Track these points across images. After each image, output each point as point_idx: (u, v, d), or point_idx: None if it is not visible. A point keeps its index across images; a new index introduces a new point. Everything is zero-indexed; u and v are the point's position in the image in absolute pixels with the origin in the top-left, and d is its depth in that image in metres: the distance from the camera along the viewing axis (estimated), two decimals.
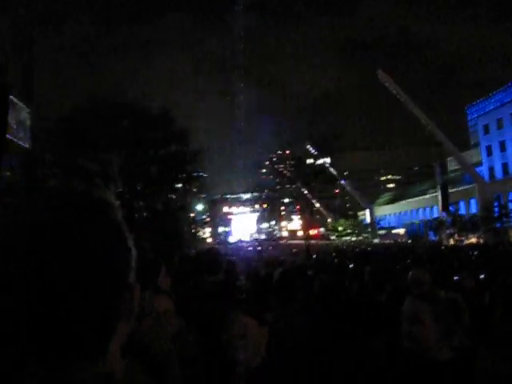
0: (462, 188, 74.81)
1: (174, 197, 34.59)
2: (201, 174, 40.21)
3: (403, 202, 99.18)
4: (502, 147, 72.01)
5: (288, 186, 44.53)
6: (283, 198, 47.43)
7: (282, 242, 74.57)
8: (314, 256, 35.23)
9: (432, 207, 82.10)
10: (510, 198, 61.04)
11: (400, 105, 70.87)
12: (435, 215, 76.24)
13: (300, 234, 63.10)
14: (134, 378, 2.03)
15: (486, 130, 76.80)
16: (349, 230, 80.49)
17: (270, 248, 57.46)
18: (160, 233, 29.25)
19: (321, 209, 78.76)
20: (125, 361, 1.00)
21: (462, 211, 69.80)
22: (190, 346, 3.12)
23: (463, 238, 58.83)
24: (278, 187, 51.39)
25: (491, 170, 74.26)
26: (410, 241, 68.70)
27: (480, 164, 77.09)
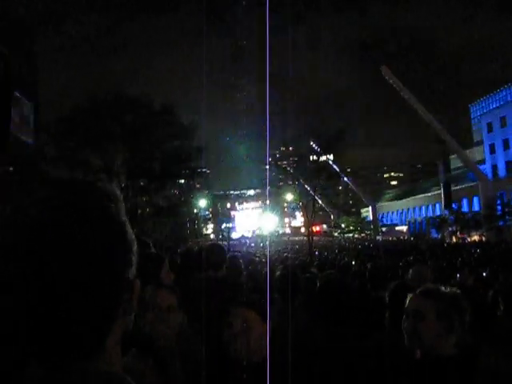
0: (465, 186, 74.71)
1: (176, 192, 34.61)
2: (204, 170, 40.22)
3: (406, 199, 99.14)
4: (506, 145, 71.90)
5: (291, 182, 44.39)
6: (286, 195, 47.34)
7: (284, 238, 74.63)
8: (317, 253, 35.27)
9: (435, 205, 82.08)
10: None
11: (404, 102, 70.74)
12: (438, 213, 76.22)
13: (303, 230, 63.03)
14: (136, 372, 2.04)
15: (490, 128, 76.70)
16: (351, 227, 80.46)
17: (273, 244, 57.51)
18: (163, 228, 29.32)
19: (324, 205, 78.66)
20: (124, 358, 1.00)
21: (465, 209, 69.72)
22: (192, 342, 3.13)
23: (465, 236, 58.78)
24: (281, 184, 51.26)
25: (494, 168, 74.13)
26: (412, 238, 68.77)
27: (483, 162, 76.94)
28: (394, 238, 73.51)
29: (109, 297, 0.88)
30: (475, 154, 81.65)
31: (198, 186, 42.70)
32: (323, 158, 39.44)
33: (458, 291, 2.84)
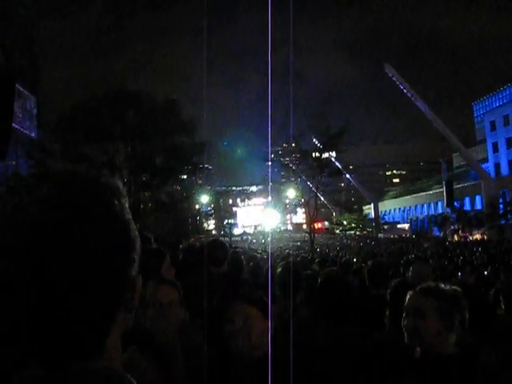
0: (467, 184, 74.59)
1: (179, 188, 34.61)
2: (206, 165, 40.21)
3: (408, 197, 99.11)
4: (509, 144, 71.78)
5: (293, 179, 44.36)
6: (288, 192, 47.28)
7: (286, 235, 74.67)
8: (318, 250, 35.27)
9: (437, 203, 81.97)
10: None
11: (406, 100, 70.59)
12: (440, 211, 76.11)
13: (305, 227, 63.04)
14: (137, 368, 2.04)
15: (493, 126, 76.56)
16: (353, 224, 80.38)
17: (275, 241, 57.51)
18: (164, 223, 29.33)
19: (326, 202, 78.62)
20: (124, 354, 1.00)
21: (467, 207, 69.60)
22: (193, 338, 3.13)
23: (467, 234, 58.73)
24: (283, 180, 51.23)
25: (497, 166, 74.06)
26: (414, 236, 68.74)
27: (486, 160, 76.88)
28: (396, 236, 73.51)
29: (110, 296, 0.88)
30: (478, 152, 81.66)
31: (200, 182, 42.70)
32: (326, 155, 39.35)
33: (459, 289, 2.83)
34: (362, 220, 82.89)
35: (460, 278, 8.55)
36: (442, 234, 63.82)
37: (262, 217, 56.90)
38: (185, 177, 34.63)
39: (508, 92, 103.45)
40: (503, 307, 4.41)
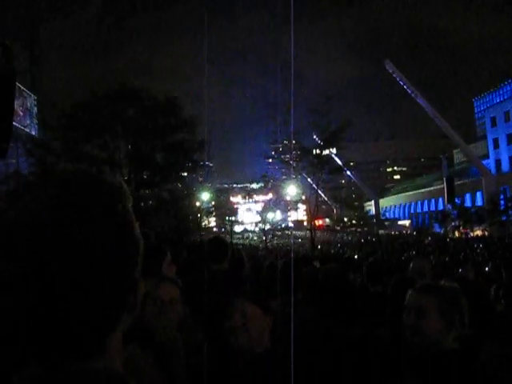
0: (468, 180, 74.56)
1: (179, 185, 34.58)
2: (207, 162, 40.20)
3: (409, 193, 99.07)
4: (509, 140, 71.77)
5: (294, 176, 44.37)
6: (289, 188, 47.26)
7: (287, 232, 74.61)
8: (319, 246, 35.28)
9: (438, 199, 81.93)
10: None
11: (407, 96, 70.60)
12: (441, 207, 76.08)
13: (305, 224, 63.06)
14: (138, 366, 2.05)
15: (493, 122, 76.51)
16: (354, 221, 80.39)
17: (276, 238, 57.51)
18: (165, 221, 29.31)
19: (327, 199, 78.57)
20: (125, 352, 1.00)
21: (468, 203, 69.57)
22: (194, 335, 3.14)
23: (468, 231, 58.69)
24: (284, 177, 51.24)
25: (498, 162, 74.04)
26: (415, 232, 68.75)
27: (487, 157, 76.83)
28: (397, 233, 73.53)
29: (111, 297, 0.87)
30: (479, 148, 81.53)
31: (200, 179, 42.67)
32: (326, 151, 39.32)
33: (457, 286, 2.84)
34: (363, 217, 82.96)
35: (460, 274, 8.56)
36: (442, 231, 63.74)
37: (263, 214, 56.79)
38: (185, 174, 34.59)
39: (509, 88, 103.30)
40: (504, 303, 4.42)
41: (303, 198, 46.54)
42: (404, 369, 2.70)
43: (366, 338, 3.38)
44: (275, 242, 56.01)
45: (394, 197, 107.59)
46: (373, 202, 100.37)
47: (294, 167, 42.37)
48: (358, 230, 78.15)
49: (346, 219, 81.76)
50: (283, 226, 74.49)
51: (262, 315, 2.73)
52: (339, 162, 45.91)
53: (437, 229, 68.00)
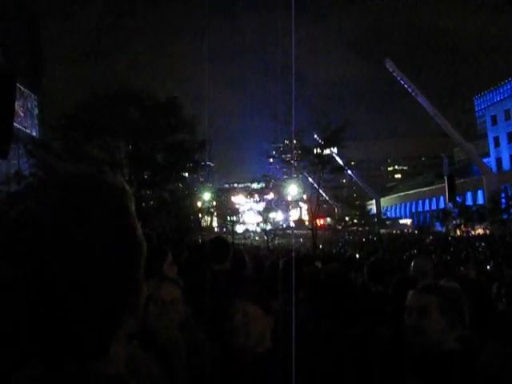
0: (469, 179, 74.46)
1: (180, 185, 34.60)
2: (208, 162, 40.18)
3: (410, 192, 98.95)
4: (510, 138, 71.72)
5: (295, 175, 44.39)
6: (290, 188, 47.25)
7: (288, 231, 74.63)
8: (321, 246, 35.27)
9: (439, 198, 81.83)
10: None
11: (407, 95, 70.51)
12: (442, 206, 76.00)
13: (307, 223, 63.08)
14: (139, 366, 2.04)
15: (494, 120, 76.45)
16: (355, 220, 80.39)
17: (277, 237, 57.46)
18: (167, 221, 29.32)
19: (328, 199, 78.58)
20: (126, 353, 0.99)
21: (469, 202, 69.48)
22: (196, 335, 3.14)
23: (470, 229, 58.65)
24: (286, 177, 51.22)
25: (498, 161, 74.00)
26: (416, 231, 68.71)
27: (487, 155, 76.76)
28: (398, 231, 73.49)
29: (112, 298, 0.87)
30: (479, 146, 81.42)
31: (201, 179, 42.71)
32: (327, 151, 39.34)
33: (458, 286, 2.85)
34: (364, 216, 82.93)
35: (462, 272, 8.56)
36: (444, 229, 63.72)
37: (265, 214, 56.74)
38: (186, 174, 34.62)
39: (509, 86, 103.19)
40: (505, 302, 4.41)
41: (304, 197, 46.52)
42: (405, 369, 2.70)
43: (367, 338, 3.38)
44: (276, 241, 55.93)
45: (395, 196, 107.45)
46: (374, 201, 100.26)
47: (295, 167, 42.37)
48: (360, 229, 78.10)
49: (347, 218, 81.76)
50: (284, 225, 74.57)
51: (264, 315, 2.73)
52: (340, 161, 45.94)
53: (438, 227, 67.96)
